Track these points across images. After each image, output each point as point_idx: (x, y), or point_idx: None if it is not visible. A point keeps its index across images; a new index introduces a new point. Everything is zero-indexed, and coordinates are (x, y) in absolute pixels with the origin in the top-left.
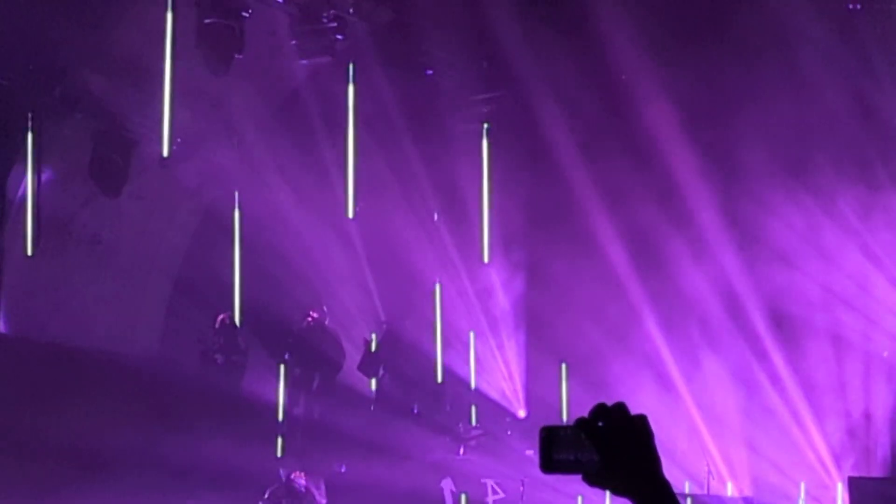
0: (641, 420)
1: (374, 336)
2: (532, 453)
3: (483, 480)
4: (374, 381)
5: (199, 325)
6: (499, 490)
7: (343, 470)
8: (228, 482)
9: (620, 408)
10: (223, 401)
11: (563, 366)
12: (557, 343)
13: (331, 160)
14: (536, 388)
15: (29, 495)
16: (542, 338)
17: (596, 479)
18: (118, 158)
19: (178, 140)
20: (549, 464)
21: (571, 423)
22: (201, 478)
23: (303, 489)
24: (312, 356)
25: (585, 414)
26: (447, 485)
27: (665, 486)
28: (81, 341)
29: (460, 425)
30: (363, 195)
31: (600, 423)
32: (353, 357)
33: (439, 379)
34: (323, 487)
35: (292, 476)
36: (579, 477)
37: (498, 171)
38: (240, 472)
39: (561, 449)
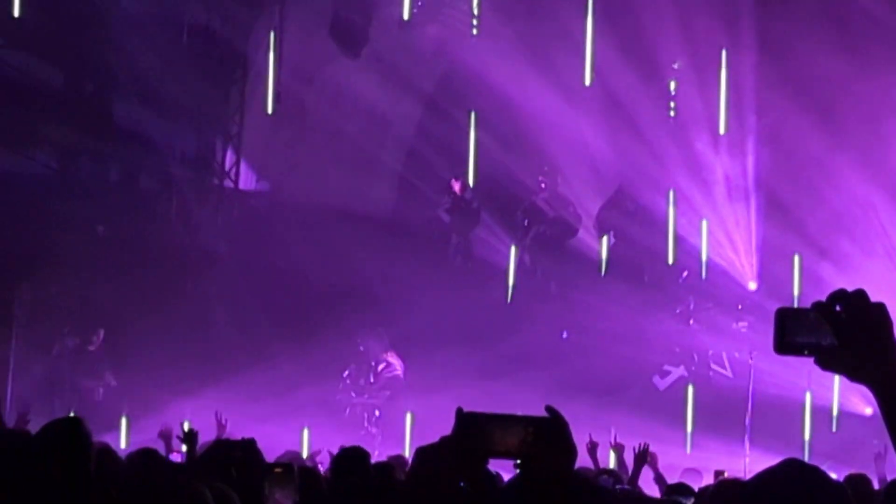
0: (880, 308)
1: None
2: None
3: (711, 351)
4: (604, 251)
5: (431, 188)
6: (726, 366)
7: (565, 336)
8: (458, 337)
9: (860, 294)
10: (455, 261)
11: (796, 239)
12: (791, 215)
13: (570, 28)
14: (769, 260)
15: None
16: (776, 209)
17: (830, 363)
18: (359, 19)
19: (419, 3)
20: (784, 345)
21: (807, 304)
22: (437, 331)
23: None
24: (545, 221)
25: (819, 292)
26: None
27: None
28: (316, 197)
29: (690, 297)
30: (600, 63)
31: (838, 308)
32: (585, 225)
33: (671, 258)
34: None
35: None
36: (812, 359)
37: (735, 37)
38: (468, 329)
39: (796, 331)
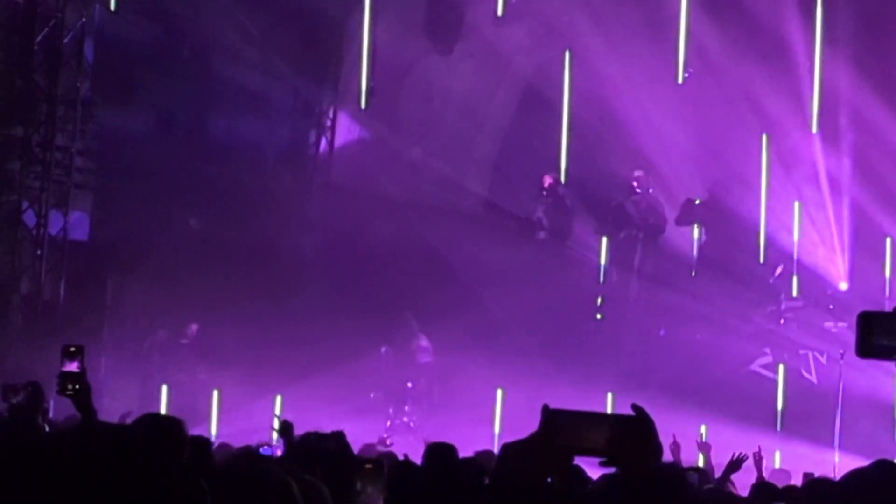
0: None
1: (697, 199)
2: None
3: (802, 352)
4: (695, 249)
5: (524, 182)
6: (812, 370)
7: (662, 334)
8: (545, 339)
9: None
10: (546, 258)
11: (889, 239)
12: (884, 215)
13: (663, 25)
14: (861, 260)
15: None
16: (868, 208)
17: None
18: (452, 16)
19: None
20: (867, 348)
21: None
22: (524, 322)
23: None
24: (632, 224)
25: None
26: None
27: None
28: (410, 191)
29: (782, 295)
30: (693, 61)
31: None
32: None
33: (762, 257)
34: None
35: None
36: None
37: (827, 34)
38: (556, 322)
39: (879, 334)
